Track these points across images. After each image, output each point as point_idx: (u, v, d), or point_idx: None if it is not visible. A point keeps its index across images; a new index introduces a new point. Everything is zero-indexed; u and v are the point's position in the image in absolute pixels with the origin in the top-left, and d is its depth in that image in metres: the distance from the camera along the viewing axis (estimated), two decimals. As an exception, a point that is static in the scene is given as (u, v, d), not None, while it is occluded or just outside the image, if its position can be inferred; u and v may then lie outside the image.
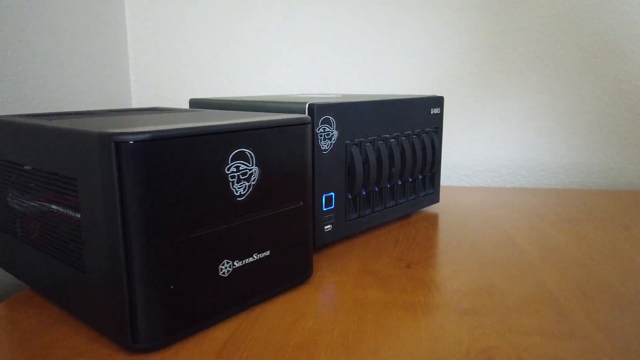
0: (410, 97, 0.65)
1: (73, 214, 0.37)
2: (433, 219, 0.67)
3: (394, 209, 0.64)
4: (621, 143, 0.89)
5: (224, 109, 0.61)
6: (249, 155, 0.39)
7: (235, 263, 0.39)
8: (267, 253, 0.42)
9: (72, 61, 0.77)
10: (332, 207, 0.55)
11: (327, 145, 0.53)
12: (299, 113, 0.52)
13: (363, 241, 0.59)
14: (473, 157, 0.93)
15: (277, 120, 0.41)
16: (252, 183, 0.39)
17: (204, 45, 0.96)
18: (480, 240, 0.59)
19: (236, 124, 0.38)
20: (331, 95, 0.69)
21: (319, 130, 0.52)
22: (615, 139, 0.89)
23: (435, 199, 0.72)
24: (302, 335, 0.37)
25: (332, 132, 0.53)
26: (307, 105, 0.52)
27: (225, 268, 0.38)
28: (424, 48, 0.91)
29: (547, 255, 0.54)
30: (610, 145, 0.90)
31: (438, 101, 0.69)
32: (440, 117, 0.70)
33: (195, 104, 0.65)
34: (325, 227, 0.55)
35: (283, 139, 0.42)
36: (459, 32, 0.90)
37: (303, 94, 0.75)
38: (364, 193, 0.60)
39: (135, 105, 0.98)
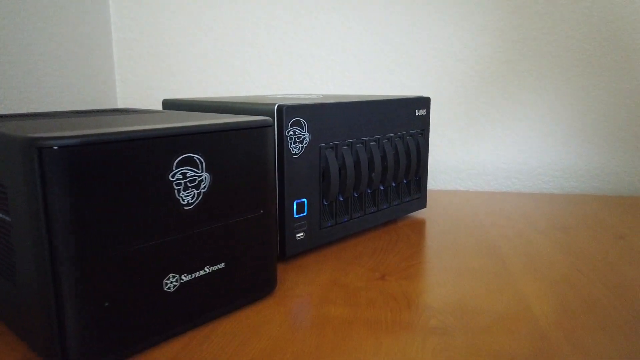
0: (393, 97, 0.62)
1: (6, 219, 0.34)
2: (418, 226, 0.64)
3: (376, 215, 0.61)
4: (624, 145, 0.85)
5: (195, 110, 0.58)
6: (197, 161, 0.36)
7: (182, 277, 0.36)
8: (222, 265, 0.39)
9: (54, 59, 0.75)
10: (305, 214, 0.52)
11: (298, 149, 0.50)
12: (268, 114, 0.49)
13: (339, 250, 0.56)
14: (468, 159, 0.90)
15: (232, 124, 0.38)
16: (203, 191, 0.37)
17: (191, 44, 0.93)
18: (463, 249, 0.56)
19: (181, 128, 0.35)
20: (312, 96, 0.66)
21: (288, 133, 0.49)
22: (618, 141, 0.85)
23: (422, 204, 0.69)
24: (252, 357, 0.35)
25: (303, 135, 0.50)
26: (276, 106, 0.49)
27: (171, 283, 0.36)
28: (418, 48, 0.88)
29: (531, 267, 0.50)
30: (613, 147, 0.86)
31: (424, 102, 0.66)
32: (426, 118, 0.66)
33: (168, 104, 0.62)
34: (297, 235, 0.52)
35: (240, 143, 0.39)
36: (454, 31, 0.86)
37: (280, 95, 0.72)
38: (342, 199, 0.57)
39: (120, 105, 0.96)
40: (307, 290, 0.45)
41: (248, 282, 0.41)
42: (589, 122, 0.85)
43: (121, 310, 0.33)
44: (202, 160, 0.36)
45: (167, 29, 0.93)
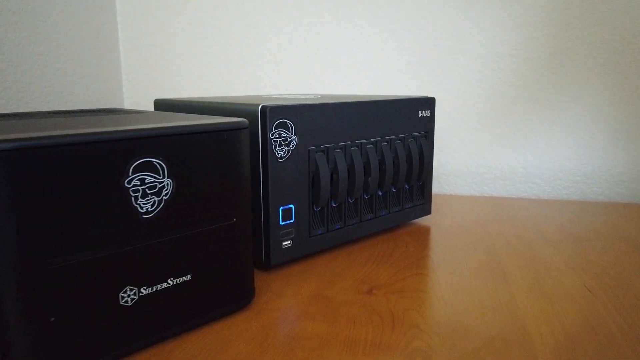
0: (391, 98, 0.58)
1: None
2: (420, 234, 0.61)
3: (373, 222, 0.58)
4: (650, 150, 0.80)
5: (184, 110, 0.56)
6: (158, 166, 0.34)
7: (142, 290, 0.34)
8: (187, 277, 0.37)
9: (61, 59, 0.74)
10: (292, 220, 0.49)
11: (284, 153, 0.47)
12: (252, 115, 0.46)
13: (330, 259, 0.53)
14: (482, 163, 0.85)
15: (198, 126, 0.36)
16: (164, 198, 0.34)
17: (198, 44, 0.92)
18: (463, 260, 0.52)
19: (138, 131, 0.33)
20: (309, 96, 0.63)
21: (272, 135, 0.46)
22: (643, 146, 0.80)
23: (426, 211, 0.65)
24: (211, 378, 0.32)
25: (290, 137, 0.48)
26: (259, 107, 0.46)
27: (128, 296, 0.33)
28: (431, 47, 0.84)
29: (535, 284, 0.46)
30: None
31: (427, 103, 0.62)
32: (430, 120, 0.63)
33: (159, 105, 0.60)
34: (284, 243, 0.49)
35: (209, 147, 0.36)
36: (469, 29, 0.82)
37: (277, 95, 0.70)
38: (334, 205, 0.54)
39: (127, 105, 0.95)
40: (287, 304, 0.42)
41: (219, 295, 0.39)
42: (614, 124, 0.80)
43: (71, 326, 0.31)
44: (164, 165, 0.34)
45: (174, 29, 0.92)
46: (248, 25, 0.89)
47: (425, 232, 0.61)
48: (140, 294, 0.34)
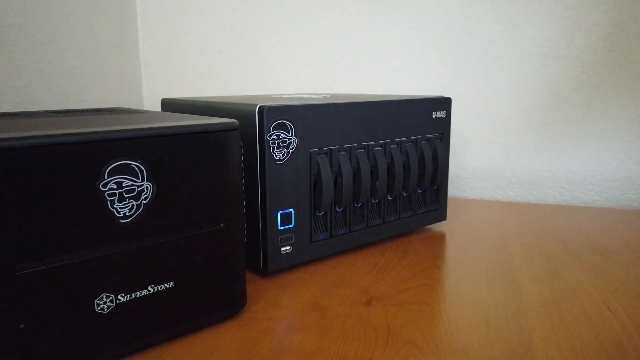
0: (402, 98, 0.56)
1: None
2: (432, 241, 0.58)
3: (382, 227, 0.55)
4: (691, 155, 0.74)
5: (188, 111, 0.55)
6: (136, 169, 0.32)
7: (119, 297, 0.33)
8: (170, 285, 0.35)
9: (80, 58, 0.75)
10: (292, 225, 0.47)
11: (283, 155, 0.46)
12: (249, 116, 0.45)
13: (333, 266, 0.50)
14: (508, 166, 0.81)
15: (181, 127, 0.34)
16: (144, 202, 0.33)
17: (215, 43, 0.91)
18: (476, 271, 0.49)
19: (116, 132, 0.31)
20: (318, 96, 0.61)
21: (270, 137, 0.44)
22: (684, 150, 0.74)
23: (441, 216, 0.62)
24: (185, 393, 0.31)
25: (289, 139, 0.46)
26: (257, 107, 0.44)
27: (105, 303, 0.32)
28: (453, 43, 0.80)
29: (551, 300, 0.43)
30: (677, 157, 0.74)
31: (443, 103, 0.59)
32: (446, 121, 0.60)
33: (166, 104, 0.59)
34: (283, 249, 0.47)
35: (195, 149, 0.35)
36: (494, 24, 0.78)
37: (285, 94, 0.68)
38: (339, 209, 0.51)
39: (146, 105, 0.95)
40: (280, 313, 0.40)
41: (206, 303, 0.37)
42: (650, 127, 0.74)
43: (42, 333, 0.30)
44: (143, 168, 0.33)
45: (193, 29, 0.91)
46: (266, 24, 0.88)
47: (438, 239, 0.58)
48: (118, 301, 0.33)
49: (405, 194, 0.58)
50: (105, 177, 0.31)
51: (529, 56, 0.77)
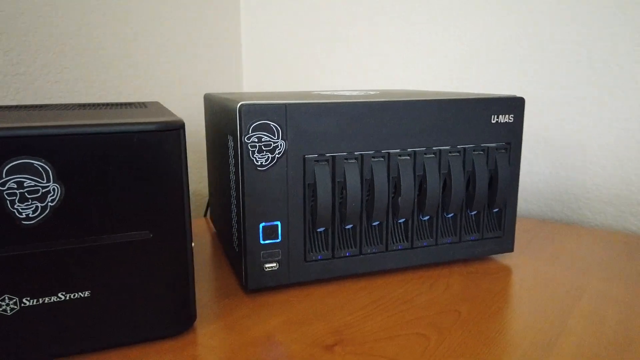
0: (446, 97, 0.45)
1: None
2: (481, 278, 0.46)
3: (408, 253, 0.46)
4: None
5: (214, 106, 0.52)
6: (40, 169, 0.30)
7: (24, 301, 0.31)
8: (85, 294, 0.33)
9: (186, 48, 0.78)
10: (278, 240, 0.42)
11: (266, 160, 0.40)
12: (233, 115, 0.40)
13: (330, 292, 0.43)
14: (633, 185, 0.62)
15: (98, 126, 0.31)
16: (50, 204, 0.31)
17: (313, 38, 0.87)
18: (499, 330, 0.37)
19: (17, 129, 0.30)
20: (368, 92, 0.53)
21: (248, 139, 0.39)
22: None
23: (505, 247, 0.50)
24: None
25: (274, 142, 0.40)
26: (238, 105, 0.39)
27: (7, 305, 0.31)
28: (514, 40, 0.64)
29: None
30: None
31: (511, 105, 0.46)
32: (514, 128, 0.47)
33: (207, 99, 0.58)
34: (266, 266, 0.42)
35: (117, 151, 0.32)
36: (559, 20, 0.60)
37: (315, 91, 0.61)
38: (348, 227, 0.44)
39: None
40: (224, 342, 0.36)
41: (135, 318, 0.34)
42: None
43: (-64, 327, 0.30)
44: (49, 168, 0.31)
45: (294, 24, 0.89)
46: (365, 21, 0.81)
47: (490, 275, 0.47)
48: (23, 305, 0.32)
49: (449, 216, 0.47)
50: (4, 176, 0.30)
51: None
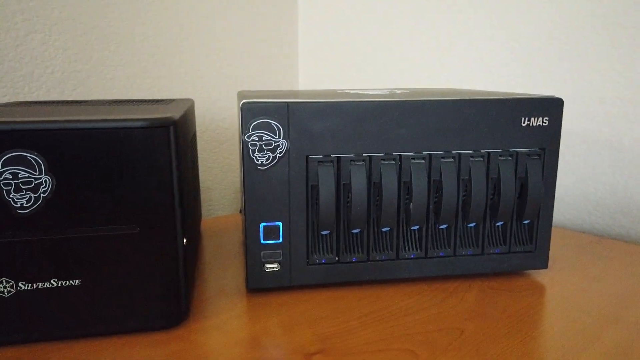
0: (468, 96, 0.42)
1: None
2: (504, 295, 0.42)
3: (423, 262, 0.43)
4: None
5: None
6: (33, 161, 0.32)
7: (19, 285, 0.34)
8: (76, 282, 0.34)
9: (242, 46, 0.81)
10: (279, 241, 0.41)
11: (267, 159, 0.39)
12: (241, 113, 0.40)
13: (332, 298, 0.42)
14: None
15: (88, 122, 0.33)
16: (43, 195, 0.33)
17: (368, 37, 0.85)
18: (504, 353, 0.34)
19: (11, 123, 0.32)
20: (395, 90, 0.51)
21: (249, 137, 0.39)
22: None
23: (537, 263, 0.45)
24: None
25: (276, 141, 0.39)
26: (241, 104, 0.39)
27: (4, 287, 0.33)
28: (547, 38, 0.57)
29: None
30: None
31: (545, 107, 0.42)
32: (549, 132, 0.43)
33: (241, 96, 0.58)
34: (267, 266, 0.41)
35: (106, 146, 0.33)
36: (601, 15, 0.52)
37: (353, 90, 0.58)
38: (355, 231, 0.42)
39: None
40: (211, 341, 0.36)
41: (125, 309, 0.35)
42: None
43: (-56, 302, 0.33)
44: (41, 161, 0.32)
45: (350, 22, 0.88)
46: (417, 20, 0.78)
47: (516, 292, 0.43)
48: (19, 288, 0.34)
49: (469, 225, 0.44)
50: (0, 167, 0.32)
51: None
